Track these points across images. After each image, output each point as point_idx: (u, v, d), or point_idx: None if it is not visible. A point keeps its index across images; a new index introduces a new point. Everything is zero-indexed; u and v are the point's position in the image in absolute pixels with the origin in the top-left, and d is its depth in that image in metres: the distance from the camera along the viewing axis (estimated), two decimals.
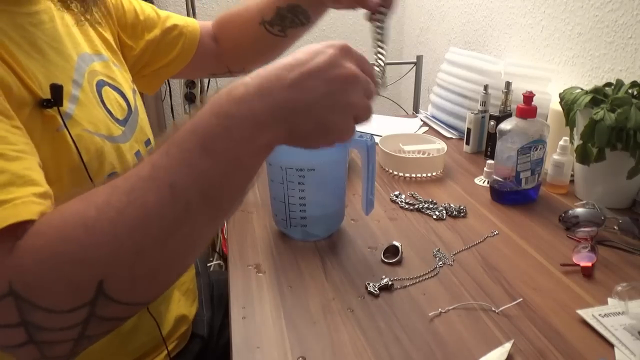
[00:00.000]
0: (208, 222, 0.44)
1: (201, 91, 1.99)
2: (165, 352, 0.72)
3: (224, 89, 0.44)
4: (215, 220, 0.45)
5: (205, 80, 1.97)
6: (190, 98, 1.98)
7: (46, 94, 0.54)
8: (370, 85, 0.48)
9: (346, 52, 0.47)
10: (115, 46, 0.77)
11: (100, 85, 0.67)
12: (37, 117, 0.53)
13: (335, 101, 0.45)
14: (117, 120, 0.67)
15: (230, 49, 0.92)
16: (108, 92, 0.68)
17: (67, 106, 0.58)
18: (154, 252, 0.42)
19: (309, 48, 0.47)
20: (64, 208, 0.43)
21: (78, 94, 0.61)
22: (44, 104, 0.54)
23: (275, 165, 0.72)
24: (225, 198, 0.44)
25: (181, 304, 0.79)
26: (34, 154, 0.49)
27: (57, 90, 0.55)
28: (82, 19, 0.63)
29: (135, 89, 0.77)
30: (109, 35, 0.76)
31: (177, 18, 0.88)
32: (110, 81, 0.70)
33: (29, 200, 0.43)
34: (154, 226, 0.41)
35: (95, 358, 0.59)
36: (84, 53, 0.67)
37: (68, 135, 0.56)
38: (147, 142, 0.75)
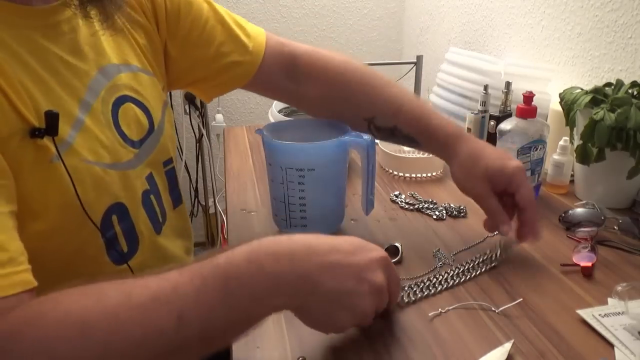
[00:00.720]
0: (197, 355, 0.46)
1: None
2: None
3: (269, 239, 0.48)
4: (205, 353, 0.46)
5: None
6: (190, 98, 1.97)
7: (42, 121, 0.51)
8: (385, 301, 0.53)
9: (386, 264, 0.52)
10: (154, 53, 0.71)
11: (119, 102, 0.64)
12: (29, 147, 0.50)
13: (352, 302, 0.49)
14: (131, 142, 0.65)
15: (313, 100, 0.80)
16: (128, 110, 0.65)
17: (68, 133, 0.55)
18: None
19: (356, 240, 0.52)
20: (69, 301, 0.42)
21: (84, 117, 0.58)
22: (36, 134, 0.51)
23: (275, 165, 0.72)
24: (221, 340, 0.47)
25: None
26: (7, 201, 0.47)
27: (52, 119, 0.52)
28: (104, 27, 0.59)
29: (168, 101, 0.73)
30: (144, 40, 0.70)
31: (242, 42, 0.76)
32: (134, 95, 0.66)
33: None
34: (149, 350, 0.42)
35: None
36: (109, 64, 0.64)
37: (62, 167, 0.53)
38: (168, 162, 0.73)
